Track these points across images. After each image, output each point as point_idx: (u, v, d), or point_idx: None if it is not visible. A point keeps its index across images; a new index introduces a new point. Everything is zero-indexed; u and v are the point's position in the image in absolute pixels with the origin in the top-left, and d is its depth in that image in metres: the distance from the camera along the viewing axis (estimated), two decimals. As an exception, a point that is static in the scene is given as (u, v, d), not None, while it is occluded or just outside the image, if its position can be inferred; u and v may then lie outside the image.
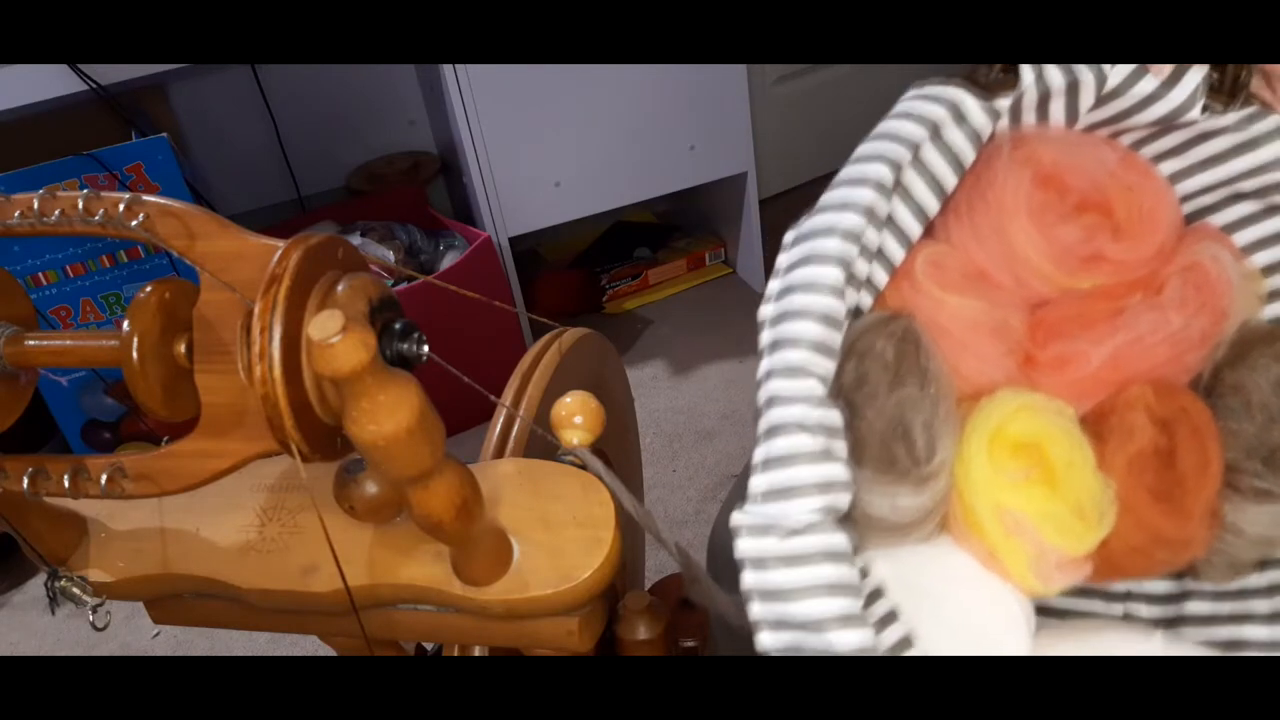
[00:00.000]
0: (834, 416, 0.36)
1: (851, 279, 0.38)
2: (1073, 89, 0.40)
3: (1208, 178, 0.43)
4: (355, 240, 1.54)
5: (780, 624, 0.35)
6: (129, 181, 1.32)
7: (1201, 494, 0.40)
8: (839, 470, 0.36)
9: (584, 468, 0.52)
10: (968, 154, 0.40)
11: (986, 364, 0.41)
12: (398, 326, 0.46)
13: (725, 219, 1.83)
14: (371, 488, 0.50)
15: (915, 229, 0.41)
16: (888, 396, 0.38)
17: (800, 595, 0.34)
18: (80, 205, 0.46)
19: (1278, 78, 0.40)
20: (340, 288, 0.45)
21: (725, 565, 0.61)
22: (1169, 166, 0.43)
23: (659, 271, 1.84)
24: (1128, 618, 0.47)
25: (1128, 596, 0.47)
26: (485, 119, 1.47)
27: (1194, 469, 0.40)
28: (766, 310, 0.38)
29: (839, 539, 0.35)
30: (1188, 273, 0.41)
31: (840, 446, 0.36)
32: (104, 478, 0.48)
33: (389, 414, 0.39)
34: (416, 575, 0.51)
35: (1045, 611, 0.44)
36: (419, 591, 0.52)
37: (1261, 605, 0.44)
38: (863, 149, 0.39)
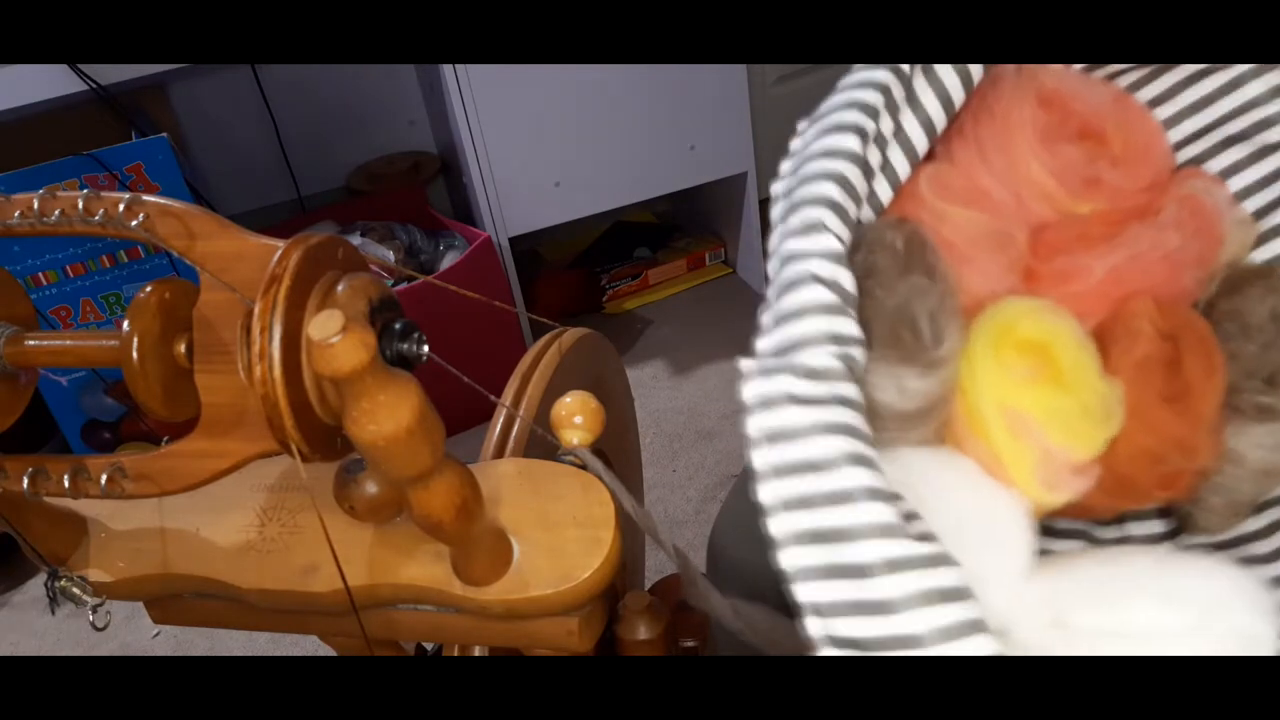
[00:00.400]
0: (850, 279, 0.35)
1: (867, 158, 0.37)
2: None
3: (1199, 121, 0.43)
4: (355, 240, 1.54)
5: (786, 468, 0.32)
6: (129, 181, 1.32)
7: (1209, 397, 0.39)
8: (853, 327, 0.34)
9: (584, 468, 0.52)
10: (975, 67, 0.40)
11: (989, 278, 0.40)
12: (398, 326, 0.46)
13: (725, 219, 1.83)
14: (371, 488, 0.50)
15: (922, 143, 0.40)
16: (898, 282, 0.37)
17: (811, 433, 0.32)
18: (80, 205, 0.46)
19: None
20: (340, 288, 0.45)
21: (725, 566, 0.61)
22: (1161, 113, 0.44)
23: (659, 271, 1.84)
24: None
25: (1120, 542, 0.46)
26: (485, 119, 1.47)
27: (1201, 373, 0.39)
28: (779, 186, 0.37)
29: (854, 390, 0.33)
30: (1183, 201, 0.41)
31: (853, 312, 0.35)
32: (104, 478, 0.48)
33: (389, 414, 0.39)
34: (416, 575, 0.51)
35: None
36: (419, 591, 0.52)
37: (1261, 547, 0.42)
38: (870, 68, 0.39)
